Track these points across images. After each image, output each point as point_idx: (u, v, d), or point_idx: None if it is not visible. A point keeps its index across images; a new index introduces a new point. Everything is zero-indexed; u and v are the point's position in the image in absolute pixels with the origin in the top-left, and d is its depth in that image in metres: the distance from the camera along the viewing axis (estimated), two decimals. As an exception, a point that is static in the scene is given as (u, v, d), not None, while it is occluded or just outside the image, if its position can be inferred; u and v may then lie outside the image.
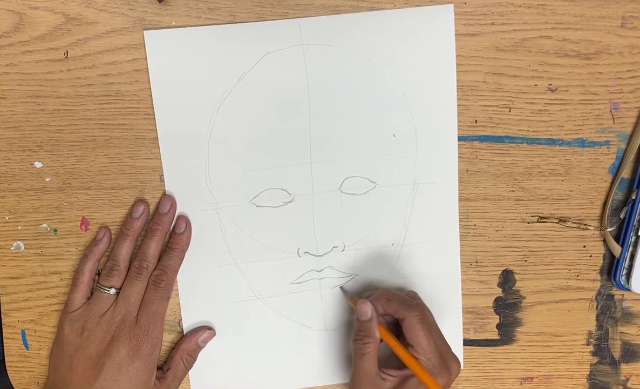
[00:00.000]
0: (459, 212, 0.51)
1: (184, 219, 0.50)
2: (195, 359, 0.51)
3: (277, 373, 0.53)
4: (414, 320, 0.44)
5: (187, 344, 0.50)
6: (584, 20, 0.49)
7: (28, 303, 0.51)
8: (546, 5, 0.48)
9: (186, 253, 0.50)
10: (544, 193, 0.51)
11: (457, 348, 0.53)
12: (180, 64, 0.48)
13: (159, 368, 0.50)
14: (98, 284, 0.48)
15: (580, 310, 0.53)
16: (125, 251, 0.48)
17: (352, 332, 0.48)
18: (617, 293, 0.53)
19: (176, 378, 0.50)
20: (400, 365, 0.45)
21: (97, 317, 0.47)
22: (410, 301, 0.46)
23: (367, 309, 0.46)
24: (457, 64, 0.49)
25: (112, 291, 0.48)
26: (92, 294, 0.49)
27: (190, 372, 0.51)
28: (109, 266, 0.48)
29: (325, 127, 0.49)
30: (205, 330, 0.51)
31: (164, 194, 0.50)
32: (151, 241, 0.49)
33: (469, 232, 0.52)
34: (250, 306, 0.51)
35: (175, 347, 0.51)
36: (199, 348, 0.51)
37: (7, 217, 0.50)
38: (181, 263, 0.50)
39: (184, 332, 0.52)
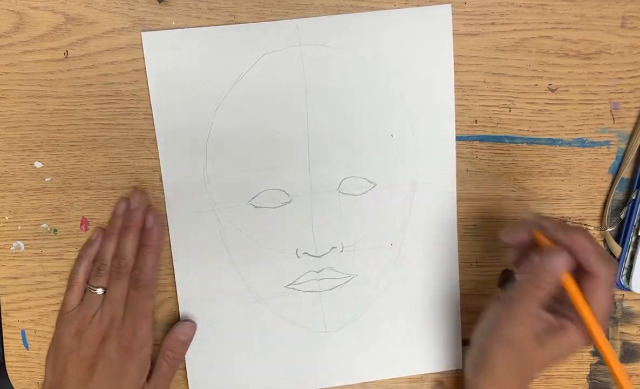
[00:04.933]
0: (459, 212, 0.51)
1: (150, 213, 0.49)
2: (180, 356, 0.50)
3: (276, 375, 0.52)
4: (607, 282, 0.39)
5: (168, 341, 0.50)
6: (584, 20, 0.49)
7: (28, 303, 0.51)
8: (546, 5, 0.48)
9: (184, 257, 0.50)
10: (544, 193, 0.51)
11: (456, 348, 0.53)
12: (178, 65, 0.48)
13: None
14: (88, 285, 0.48)
15: (580, 310, 0.53)
16: (111, 250, 0.48)
17: (526, 265, 0.42)
18: (617, 293, 0.53)
19: (160, 376, 0.49)
20: (556, 311, 0.41)
21: (88, 318, 0.47)
22: (606, 255, 0.40)
23: (561, 264, 0.40)
24: (457, 64, 0.49)
25: (100, 291, 0.48)
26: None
27: (188, 374, 0.51)
28: (96, 267, 0.48)
29: (323, 128, 0.49)
30: (186, 323, 0.50)
31: (134, 189, 0.49)
32: (126, 239, 0.48)
33: (469, 232, 0.52)
34: (249, 308, 0.51)
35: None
36: (181, 342, 0.50)
37: (7, 217, 0.50)
38: (158, 259, 0.49)
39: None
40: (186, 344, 0.50)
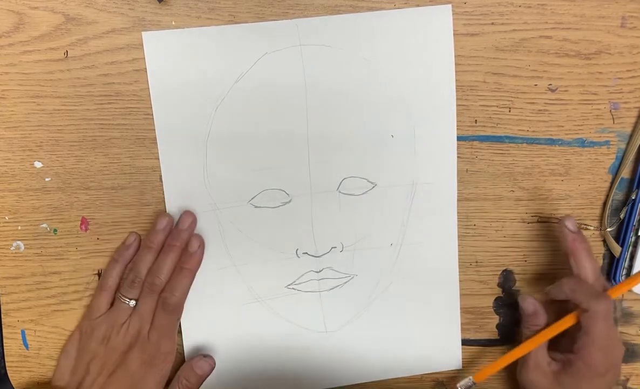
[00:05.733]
0: (459, 213, 0.51)
1: (198, 238, 0.49)
2: (194, 386, 0.49)
3: (276, 375, 0.52)
4: (602, 315, 0.44)
5: (185, 369, 0.50)
6: (584, 20, 0.49)
7: (28, 303, 0.51)
8: (546, 5, 0.48)
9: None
10: (544, 193, 0.51)
11: (456, 348, 0.53)
12: (179, 65, 0.48)
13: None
14: (119, 294, 0.48)
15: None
16: (148, 262, 0.48)
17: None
18: (617, 293, 0.53)
19: None
20: (565, 349, 0.47)
21: (117, 327, 0.48)
22: (598, 292, 0.46)
23: (528, 306, 0.48)
24: (457, 64, 0.49)
25: (133, 303, 0.48)
26: (113, 301, 0.49)
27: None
28: (130, 278, 0.48)
29: (323, 128, 0.49)
30: (205, 360, 0.50)
31: (186, 211, 0.49)
32: (167, 257, 0.48)
33: (468, 233, 0.52)
34: (249, 309, 0.51)
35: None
36: (197, 375, 0.49)
37: (7, 217, 0.50)
38: (191, 284, 0.49)
39: (182, 334, 0.51)
40: (201, 378, 0.50)
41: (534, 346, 0.47)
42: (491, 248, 0.52)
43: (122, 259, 0.49)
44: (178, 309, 0.48)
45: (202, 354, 0.51)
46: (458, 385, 0.51)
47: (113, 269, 0.49)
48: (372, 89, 0.49)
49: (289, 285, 0.51)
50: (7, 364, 0.52)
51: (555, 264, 0.52)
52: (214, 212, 0.50)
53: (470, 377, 0.50)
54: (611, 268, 0.52)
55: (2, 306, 0.51)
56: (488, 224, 0.52)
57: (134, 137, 0.49)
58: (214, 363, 0.51)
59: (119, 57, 0.48)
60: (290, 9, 0.48)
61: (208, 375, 0.50)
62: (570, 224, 0.48)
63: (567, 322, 0.47)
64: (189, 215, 0.49)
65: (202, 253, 0.49)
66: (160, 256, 0.48)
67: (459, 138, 0.50)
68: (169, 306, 0.48)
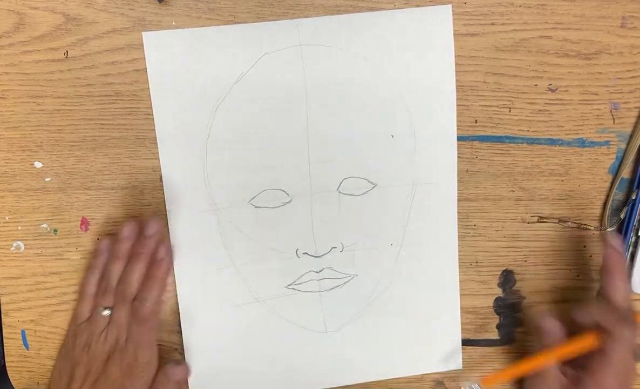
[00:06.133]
0: (459, 213, 0.51)
1: (165, 246, 0.49)
2: None
3: (276, 375, 0.52)
4: (625, 340, 0.44)
5: (160, 376, 0.49)
6: (584, 20, 0.49)
7: (28, 303, 0.51)
8: (546, 5, 0.48)
9: (184, 257, 0.50)
10: (544, 193, 0.51)
11: (456, 348, 0.53)
12: (179, 66, 0.48)
13: None
14: (96, 302, 0.48)
15: (580, 310, 0.53)
16: (117, 271, 0.48)
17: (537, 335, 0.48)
18: (617, 293, 0.53)
19: None
20: (577, 365, 0.46)
21: (97, 334, 0.47)
22: (627, 317, 0.45)
23: (551, 327, 0.47)
24: (457, 64, 0.49)
25: (107, 312, 0.48)
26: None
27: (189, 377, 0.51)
28: (102, 287, 0.48)
29: (323, 128, 0.49)
30: (178, 367, 0.50)
31: (153, 218, 0.49)
32: (133, 265, 0.47)
33: (468, 233, 0.52)
34: (249, 309, 0.51)
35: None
36: (174, 381, 0.49)
37: (7, 217, 0.50)
38: (162, 292, 0.49)
39: (182, 334, 0.51)
40: (178, 384, 0.50)
41: (550, 361, 0.46)
42: (491, 248, 0.52)
43: (97, 265, 0.49)
44: (151, 318, 0.48)
45: (174, 361, 0.51)
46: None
47: (91, 276, 0.49)
48: (372, 89, 0.49)
49: (289, 285, 0.51)
50: (7, 364, 0.52)
51: (555, 264, 0.52)
52: (214, 212, 0.50)
53: (477, 384, 0.50)
54: (611, 268, 0.52)
55: (2, 306, 0.51)
56: (488, 224, 0.52)
57: (134, 137, 0.49)
58: (188, 369, 0.51)
59: (119, 57, 0.48)
60: (290, 9, 0.48)
61: (185, 380, 0.50)
62: (613, 242, 0.47)
63: (586, 343, 0.45)
64: (154, 223, 0.48)
65: (170, 261, 0.49)
66: (128, 265, 0.48)
67: (459, 138, 0.50)
68: (139, 316, 0.47)
